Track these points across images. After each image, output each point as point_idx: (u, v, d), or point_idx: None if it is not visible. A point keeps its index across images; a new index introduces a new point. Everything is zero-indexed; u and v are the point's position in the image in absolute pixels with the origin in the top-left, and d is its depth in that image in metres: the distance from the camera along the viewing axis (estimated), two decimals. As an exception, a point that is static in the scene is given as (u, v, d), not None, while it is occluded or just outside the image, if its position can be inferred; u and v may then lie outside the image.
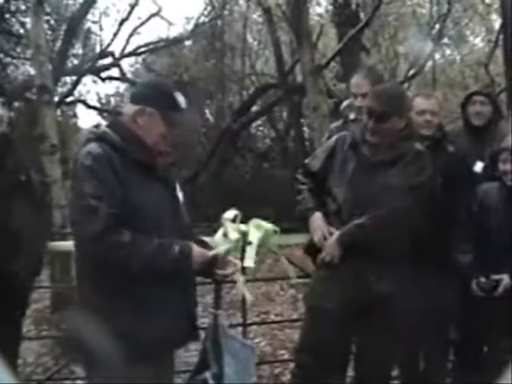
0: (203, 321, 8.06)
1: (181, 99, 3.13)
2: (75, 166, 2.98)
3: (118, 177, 2.91)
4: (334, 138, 4.15)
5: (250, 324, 6.49)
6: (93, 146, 2.94)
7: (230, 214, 3.82)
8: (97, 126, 3.16)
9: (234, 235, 3.86)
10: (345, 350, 4.08)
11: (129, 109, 3.11)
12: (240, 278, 3.68)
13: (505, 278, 4.05)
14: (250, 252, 3.74)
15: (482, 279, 4.10)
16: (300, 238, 4.68)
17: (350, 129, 4.25)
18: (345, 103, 4.86)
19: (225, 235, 3.83)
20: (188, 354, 6.50)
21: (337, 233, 3.83)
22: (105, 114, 20.36)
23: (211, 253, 3.28)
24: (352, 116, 4.54)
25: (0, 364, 2.73)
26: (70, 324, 2.88)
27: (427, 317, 4.31)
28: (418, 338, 4.48)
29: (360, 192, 3.85)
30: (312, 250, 4.05)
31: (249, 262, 3.70)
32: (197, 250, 3.13)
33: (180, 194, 3.33)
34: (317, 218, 3.95)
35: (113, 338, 2.77)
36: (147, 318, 2.97)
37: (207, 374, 3.25)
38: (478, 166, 4.60)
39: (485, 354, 4.42)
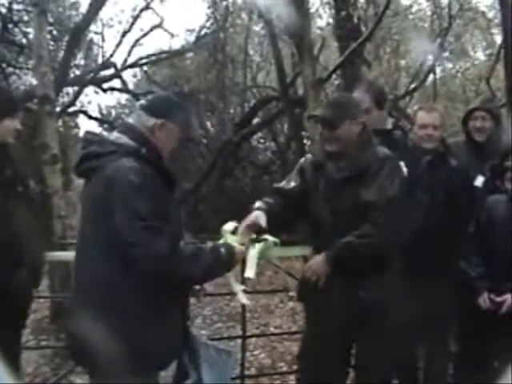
0: (203, 332, 8.08)
1: (193, 115, 3.22)
2: (110, 180, 2.94)
3: (159, 191, 2.99)
4: (302, 160, 4.17)
5: (250, 336, 6.48)
6: (131, 162, 2.96)
7: (230, 225, 3.83)
8: (90, 132, 3.19)
9: (234, 247, 3.87)
10: (340, 359, 4.07)
11: (146, 120, 3.14)
12: (238, 288, 3.68)
13: (508, 298, 4.05)
14: (251, 263, 3.74)
15: (487, 298, 4.09)
16: (300, 251, 4.69)
17: (311, 151, 4.27)
18: None
19: (224, 247, 3.84)
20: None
21: (323, 254, 3.81)
22: (105, 125, 20.35)
23: None
24: None
25: (1, 365, 2.75)
26: (83, 334, 2.87)
27: (424, 328, 4.33)
28: (415, 348, 4.48)
29: (333, 213, 3.86)
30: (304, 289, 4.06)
31: (249, 272, 3.70)
32: (238, 247, 3.36)
33: None
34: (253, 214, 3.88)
35: (132, 351, 2.84)
36: (169, 332, 3.10)
37: (188, 383, 3.27)
38: (479, 181, 4.60)
39: (486, 367, 4.40)
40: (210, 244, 3.28)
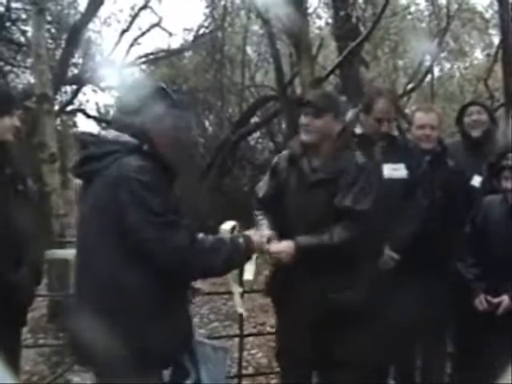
0: (200, 331, 8.08)
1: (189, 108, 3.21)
2: (117, 180, 2.89)
3: (166, 187, 2.99)
4: (276, 157, 4.17)
5: (247, 335, 6.49)
6: (137, 160, 2.93)
7: (228, 224, 3.84)
8: (85, 133, 3.18)
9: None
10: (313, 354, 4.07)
11: (154, 125, 3.10)
12: (237, 290, 3.69)
13: (505, 299, 4.05)
14: (249, 265, 3.76)
15: (483, 300, 4.09)
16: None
17: (289, 145, 4.24)
18: (349, 115, 4.82)
19: (222, 246, 3.86)
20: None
21: (293, 242, 3.77)
22: (103, 124, 20.35)
23: None
24: (358, 131, 4.52)
25: (1, 365, 2.74)
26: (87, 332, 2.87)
27: (420, 327, 4.35)
28: (404, 348, 4.49)
29: (301, 212, 3.85)
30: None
31: (248, 274, 3.72)
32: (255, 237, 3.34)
33: None
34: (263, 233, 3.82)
35: (139, 350, 2.84)
36: (177, 330, 3.08)
37: (188, 383, 3.27)
38: (476, 180, 4.60)
39: (484, 367, 4.41)
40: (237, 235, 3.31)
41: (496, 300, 4.06)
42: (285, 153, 4.15)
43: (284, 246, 3.74)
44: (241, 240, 3.24)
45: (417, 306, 4.07)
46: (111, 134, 3.10)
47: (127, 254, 2.90)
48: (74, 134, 18.86)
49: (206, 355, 3.37)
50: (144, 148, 2.99)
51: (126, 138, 3.04)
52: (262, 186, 4.15)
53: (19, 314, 3.93)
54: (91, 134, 3.24)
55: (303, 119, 3.92)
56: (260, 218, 4.05)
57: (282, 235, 3.85)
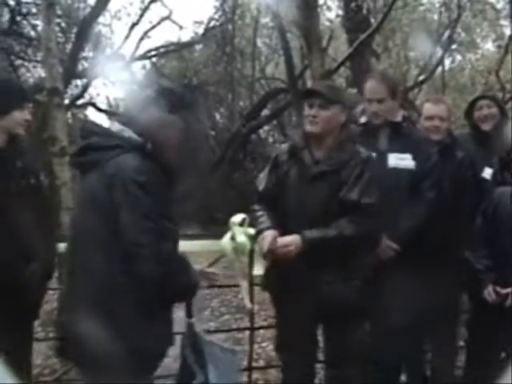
0: (211, 324, 8.07)
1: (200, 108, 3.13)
2: (113, 178, 2.80)
3: (163, 190, 2.88)
4: (276, 150, 4.12)
5: (258, 328, 6.48)
6: (137, 159, 2.84)
7: (238, 217, 3.84)
8: (90, 122, 3.13)
9: (241, 238, 3.87)
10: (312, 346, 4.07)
11: (154, 114, 2.97)
12: (244, 285, 3.68)
13: None
14: (260, 259, 3.75)
15: (497, 288, 4.07)
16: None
17: (290, 135, 4.20)
18: (359, 108, 4.79)
19: (232, 239, 3.85)
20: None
21: (298, 236, 3.69)
22: (113, 118, 20.37)
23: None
24: (363, 120, 4.49)
25: (1, 365, 2.73)
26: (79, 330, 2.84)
27: (429, 322, 4.34)
28: (415, 340, 4.49)
29: (304, 205, 3.79)
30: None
31: (258, 269, 3.71)
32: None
33: None
34: (266, 234, 3.78)
35: (126, 349, 2.76)
36: (160, 332, 3.02)
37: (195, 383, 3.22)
38: (487, 172, 4.57)
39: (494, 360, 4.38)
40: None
41: (504, 291, 4.05)
42: (285, 145, 4.11)
43: (291, 240, 3.69)
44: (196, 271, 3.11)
45: (426, 298, 4.05)
46: (115, 126, 3.02)
47: (118, 255, 2.81)
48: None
49: (215, 356, 3.31)
50: (147, 147, 2.89)
51: (129, 133, 2.94)
52: (262, 180, 4.07)
53: (31, 307, 3.94)
54: (95, 124, 3.18)
55: (309, 110, 3.85)
56: (260, 213, 3.95)
57: (282, 229, 3.80)
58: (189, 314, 3.39)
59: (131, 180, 2.76)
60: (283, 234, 3.76)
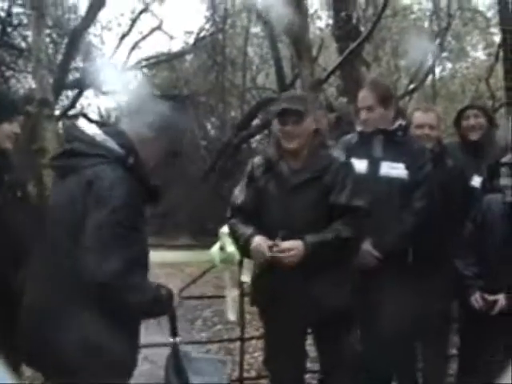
0: (203, 335, 8.02)
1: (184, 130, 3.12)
2: (90, 185, 2.77)
3: (139, 204, 2.86)
4: (249, 165, 4.04)
5: (249, 338, 6.47)
6: (117, 171, 2.83)
7: (227, 228, 3.82)
8: (73, 127, 3.10)
9: (230, 248, 3.87)
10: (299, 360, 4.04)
11: (138, 130, 3.01)
12: (231, 295, 3.66)
13: (500, 298, 4.04)
14: (248, 267, 3.73)
15: (479, 298, 4.08)
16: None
17: (261, 151, 4.14)
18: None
19: (221, 248, 3.84)
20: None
21: (300, 241, 3.61)
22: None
23: None
24: (358, 129, 4.48)
25: (1, 365, 2.73)
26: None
27: (419, 328, 4.33)
28: (406, 348, 4.48)
29: (286, 217, 3.72)
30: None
31: (245, 277, 3.69)
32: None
33: None
34: (257, 240, 3.67)
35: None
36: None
37: None
38: (476, 181, 4.58)
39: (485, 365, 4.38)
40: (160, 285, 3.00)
41: (492, 298, 4.05)
42: (258, 159, 4.02)
43: (294, 244, 3.60)
44: (163, 291, 2.99)
45: (416, 306, 4.05)
46: (99, 136, 3.02)
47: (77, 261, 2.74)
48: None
49: (199, 369, 3.27)
50: (129, 161, 2.88)
51: (113, 144, 2.95)
52: (239, 194, 3.97)
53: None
54: (81, 130, 3.13)
55: (283, 127, 3.81)
56: (239, 225, 3.84)
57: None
58: (172, 333, 3.31)
59: (107, 191, 2.74)
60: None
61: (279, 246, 3.55)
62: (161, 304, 2.96)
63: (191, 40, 20.83)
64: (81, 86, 18.62)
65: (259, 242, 3.63)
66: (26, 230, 3.79)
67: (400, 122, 4.42)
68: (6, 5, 16.79)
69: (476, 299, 4.09)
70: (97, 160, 2.85)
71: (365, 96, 4.38)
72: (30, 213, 3.97)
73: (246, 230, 3.74)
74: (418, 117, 4.65)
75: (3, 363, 2.87)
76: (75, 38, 15.40)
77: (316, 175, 3.73)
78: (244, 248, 3.80)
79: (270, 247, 3.56)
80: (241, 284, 3.88)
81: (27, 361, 3.22)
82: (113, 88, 20.35)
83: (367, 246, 4.09)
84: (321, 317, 3.68)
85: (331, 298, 3.65)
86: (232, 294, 3.69)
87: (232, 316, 3.86)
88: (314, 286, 3.63)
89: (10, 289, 3.62)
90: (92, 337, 2.74)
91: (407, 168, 4.21)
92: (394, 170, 4.23)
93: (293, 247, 3.58)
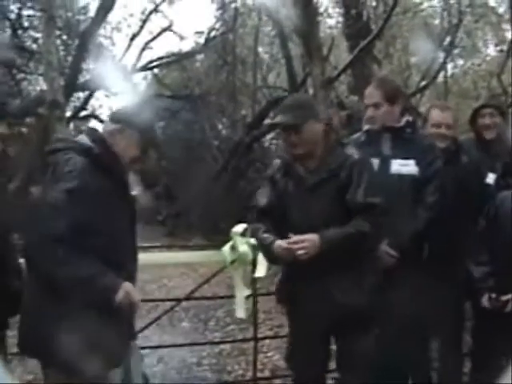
0: (216, 334, 8.03)
1: (156, 123, 3.33)
2: (54, 168, 3.16)
3: (97, 192, 3.08)
4: (270, 168, 4.11)
5: (263, 338, 6.45)
6: (78, 159, 3.13)
7: (240, 227, 3.82)
8: (60, 136, 3.31)
9: (243, 248, 3.86)
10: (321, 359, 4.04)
11: (108, 126, 3.36)
12: (242, 293, 3.65)
13: None
14: (262, 263, 3.72)
15: (493, 295, 4.05)
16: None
17: (279, 155, 4.18)
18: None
19: (233, 248, 3.83)
20: (200, 369, 6.49)
21: (316, 235, 3.63)
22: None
23: None
24: (366, 127, 4.47)
25: (1, 365, 2.76)
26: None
27: (435, 328, 4.31)
28: (421, 349, 4.46)
29: (306, 218, 3.77)
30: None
31: (260, 271, 3.68)
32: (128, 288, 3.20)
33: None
34: (278, 242, 3.72)
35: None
36: None
37: None
38: (490, 178, 4.56)
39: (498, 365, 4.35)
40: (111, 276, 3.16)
41: (504, 298, 4.03)
42: (277, 162, 4.06)
43: (306, 236, 3.62)
44: (119, 281, 3.15)
45: (430, 305, 4.03)
46: (79, 136, 3.35)
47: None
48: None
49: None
50: (94, 151, 3.18)
51: (84, 140, 3.27)
52: (263, 197, 4.00)
53: (10, 311, 3.95)
54: (64, 133, 3.41)
55: (287, 137, 3.85)
56: (263, 230, 3.88)
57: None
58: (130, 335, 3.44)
59: (65, 174, 3.09)
60: None
61: (291, 237, 3.60)
62: (95, 289, 3.06)
63: (201, 40, 20.81)
64: (92, 88, 18.64)
65: (279, 243, 3.66)
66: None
67: (407, 118, 4.41)
68: (16, 7, 16.85)
69: (487, 299, 4.07)
70: (69, 154, 3.18)
71: (371, 93, 4.40)
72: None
73: (268, 235, 3.79)
74: (436, 116, 4.62)
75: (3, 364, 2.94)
76: (85, 40, 15.40)
77: (331, 174, 3.73)
78: (268, 255, 3.89)
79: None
80: (254, 282, 3.86)
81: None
82: (124, 89, 20.43)
83: (383, 245, 4.07)
84: (341, 316, 3.68)
85: (352, 298, 3.67)
86: (243, 292, 3.67)
87: (241, 313, 3.84)
88: (335, 285, 3.67)
89: (10, 290, 3.65)
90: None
91: (417, 164, 4.19)
92: (404, 167, 4.21)
93: (305, 239, 3.59)
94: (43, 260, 3.04)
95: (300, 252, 3.57)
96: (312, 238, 3.60)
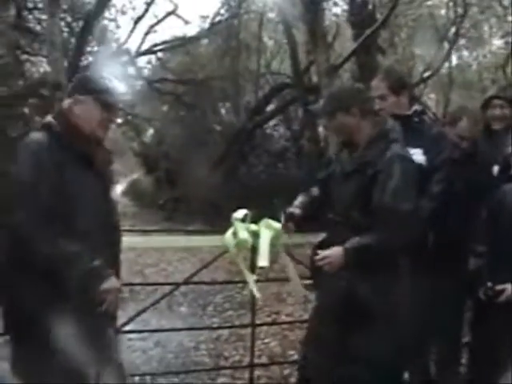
0: (214, 320, 8.04)
1: (111, 83, 3.46)
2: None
3: (57, 167, 3.11)
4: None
5: (261, 324, 6.46)
6: (36, 135, 3.21)
7: (240, 213, 3.81)
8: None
9: (243, 234, 3.85)
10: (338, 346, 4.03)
11: (66, 101, 3.39)
12: (251, 278, 3.65)
13: (508, 287, 4.01)
14: (264, 252, 3.72)
15: (489, 284, 4.05)
16: (313, 237, 4.63)
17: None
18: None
19: (234, 234, 3.82)
20: (198, 353, 6.50)
21: (341, 248, 3.69)
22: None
23: None
24: None
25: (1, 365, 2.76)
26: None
27: (434, 322, 4.31)
28: (420, 342, 4.45)
29: (338, 201, 3.89)
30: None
31: (263, 261, 3.68)
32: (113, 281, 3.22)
33: (114, 193, 3.57)
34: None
35: None
36: None
37: None
38: (495, 170, 4.55)
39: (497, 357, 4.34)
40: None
41: (499, 287, 4.03)
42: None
43: (332, 252, 3.71)
44: (106, 272, 3.18)
45: (430, 299, 4.03)
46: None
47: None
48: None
49: None
50: (51, 125, 3.24)
51: (48, 118, 3.31)
52: (322, 173, 4.19)
53: None
54: None
55: (326, 124, 4.05)
56: (303, 193, 4.16)
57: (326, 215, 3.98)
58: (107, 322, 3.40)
59: (23, 149, 3.18)
60: (310, 216, 4.01)
61: (318, 254, 3.73)
62: (83, 272, 3.07)
63: (206, 25, 20.74)
64: (95, 70, 18.60)
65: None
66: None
67: (416, 107, 4.41)
68: (21, -12, 16.78)
69: (484, 290, 4.08)
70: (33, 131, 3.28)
71: (376, 85, 4.42)
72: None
73: (294, 203, 4.08)
74: (465, 129, 4.55)
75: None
76: (90, 22, 15.36)
77: (361, 167, 3.76)
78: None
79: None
80: (254, 269, 3.85)
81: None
82: (127, 72, 20.38)
83: None
84: (358, 315, 3.70)
85: (373, 301, 3.66)
86: (249, 277, 3.67)
87: (257, 293, 3.87)
88: (358, 285, 3.69)
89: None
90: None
91: (425, 153, 4.19)
92: (412, 155, 4.19)
93: (329, 255, 3.71)
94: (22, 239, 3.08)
95: (327, 267, 3.70)
96: (336, 253, 3.69)
